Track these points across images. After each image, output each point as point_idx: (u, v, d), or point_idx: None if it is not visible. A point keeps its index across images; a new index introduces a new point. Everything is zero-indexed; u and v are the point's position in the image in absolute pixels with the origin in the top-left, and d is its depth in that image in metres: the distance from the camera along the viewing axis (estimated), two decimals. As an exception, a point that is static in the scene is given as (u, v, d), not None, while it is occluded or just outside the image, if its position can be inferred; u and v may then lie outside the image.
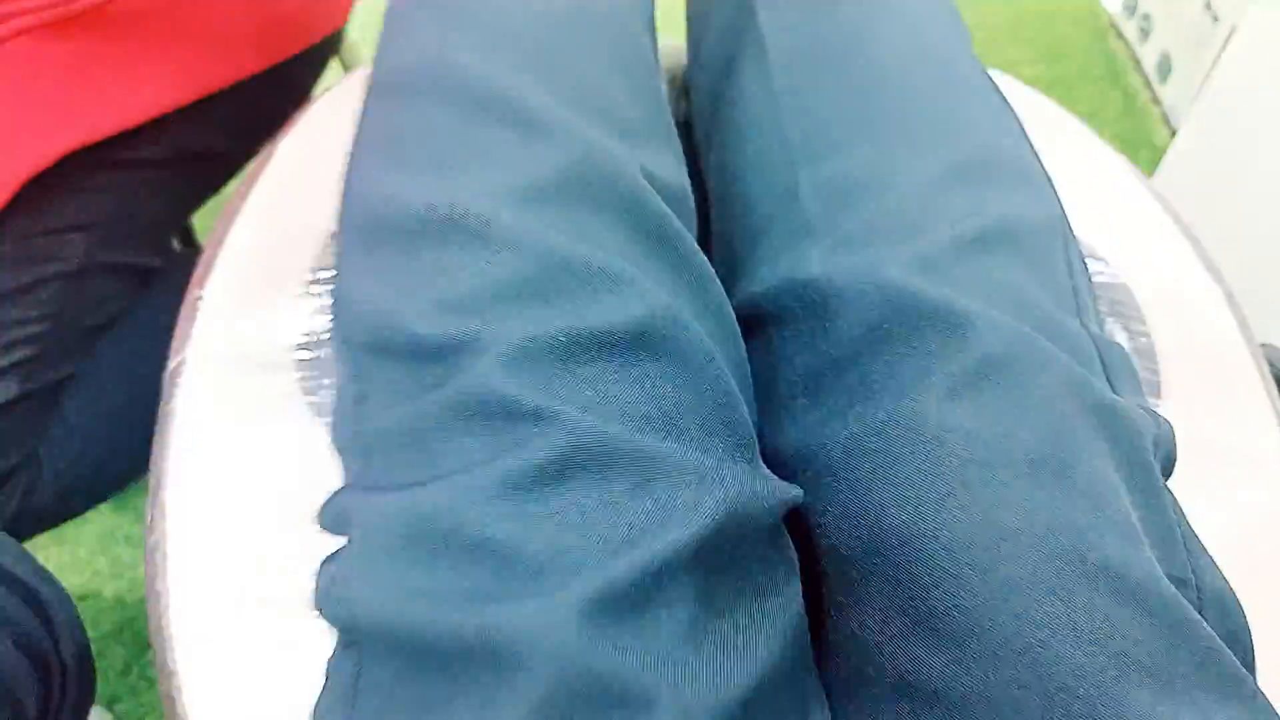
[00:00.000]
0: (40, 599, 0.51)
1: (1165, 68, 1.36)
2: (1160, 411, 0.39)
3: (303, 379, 0.50)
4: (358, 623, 0.28)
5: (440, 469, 0.29)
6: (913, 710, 0.28)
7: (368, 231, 0.34)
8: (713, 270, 0.37)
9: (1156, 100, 1.38)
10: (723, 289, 0.38)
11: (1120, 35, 1.51)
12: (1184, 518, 0.32)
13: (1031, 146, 0.43)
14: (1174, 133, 1.30)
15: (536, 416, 0.28)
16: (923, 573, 0.28)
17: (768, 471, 0.33)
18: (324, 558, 0.32)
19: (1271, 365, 0.49)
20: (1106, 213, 0.57)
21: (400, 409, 0.31)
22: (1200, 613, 0.29)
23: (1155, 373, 0.50)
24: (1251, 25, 1.03)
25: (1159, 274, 0.54)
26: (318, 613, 0.31)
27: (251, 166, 0.61)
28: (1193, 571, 0.30)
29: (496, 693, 0.24)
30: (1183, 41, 1.31)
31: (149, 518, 0.47)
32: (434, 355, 0.30)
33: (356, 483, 0.33)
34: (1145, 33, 1.43)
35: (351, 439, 0.33)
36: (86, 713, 0.52)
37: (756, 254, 0.41)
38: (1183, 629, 0.27)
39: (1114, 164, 0.62)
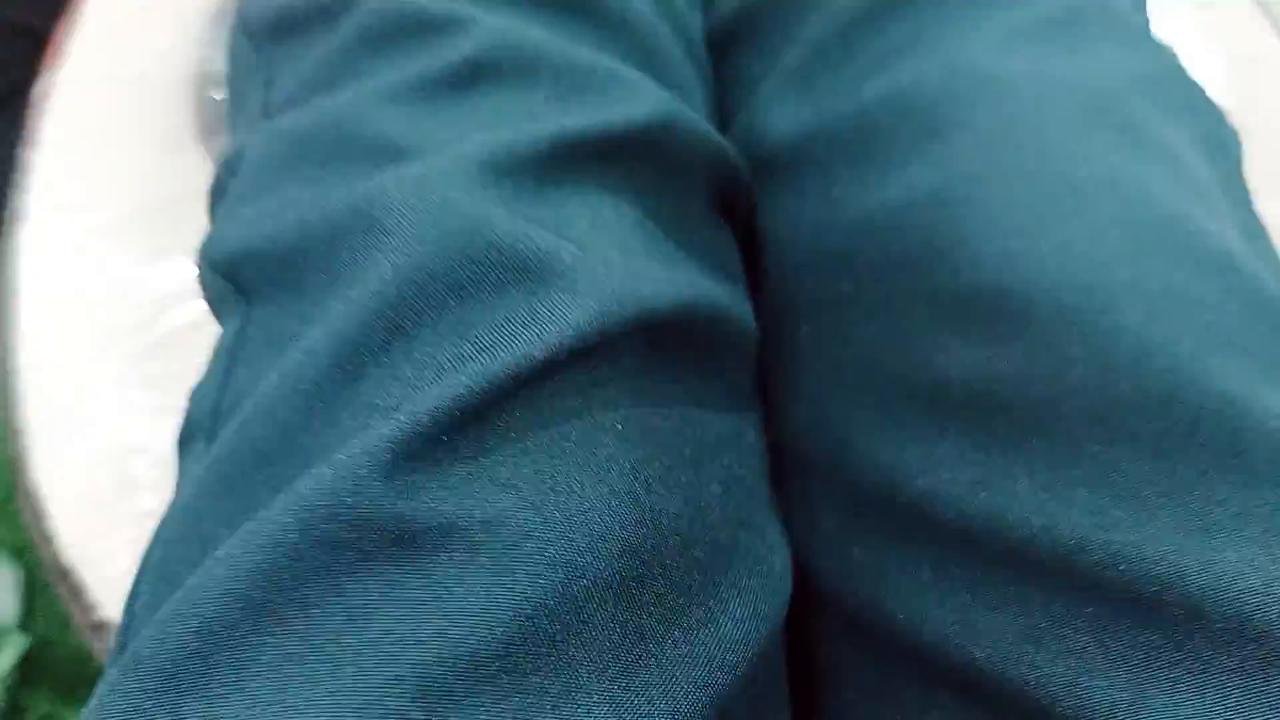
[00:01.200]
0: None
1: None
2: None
3: (197, 115, 0.43)
4: (233, 262, 0.23)
5: (341, 87, 0.25)
6: (945, 418, 0.22)
7: None
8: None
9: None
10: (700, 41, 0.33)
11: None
12: None
13: None
14: None
15: (449, 23, 0.25)
16: (957, 245, 0.22)
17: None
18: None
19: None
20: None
21: (308, 60, 0.27)
22: None
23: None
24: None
25: (1227, 42, 0.48)
26: (202, 293, 0.26)
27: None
28: None
29: (361, 265, 0.20)
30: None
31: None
32: (340, 3, 0.27)
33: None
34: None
35: (260, 111, 0.28)
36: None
37: None
38: None
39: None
